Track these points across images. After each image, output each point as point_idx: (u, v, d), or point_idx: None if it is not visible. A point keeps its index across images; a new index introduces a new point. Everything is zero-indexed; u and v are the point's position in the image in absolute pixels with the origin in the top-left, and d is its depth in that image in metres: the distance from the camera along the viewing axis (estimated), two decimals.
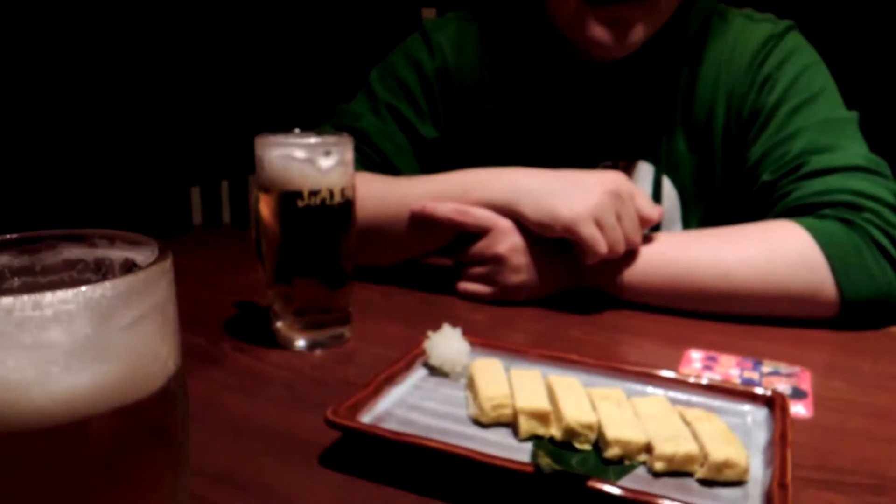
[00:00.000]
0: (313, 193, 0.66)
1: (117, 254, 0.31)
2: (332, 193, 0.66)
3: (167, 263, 0.28)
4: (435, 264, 0.96)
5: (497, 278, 0.81)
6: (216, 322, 0.76)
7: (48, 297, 0.22)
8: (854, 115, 0.88)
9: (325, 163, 0.66)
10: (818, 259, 0.76)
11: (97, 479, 0.25)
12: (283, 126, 0.71)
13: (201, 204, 2.17)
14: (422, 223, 0.83)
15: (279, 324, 0.71)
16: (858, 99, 0.94)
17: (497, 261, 0.80)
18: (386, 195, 0.87)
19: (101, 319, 0.24)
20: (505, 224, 0.80)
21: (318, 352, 0.69)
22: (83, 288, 0.24)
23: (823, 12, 1.95)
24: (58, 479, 0.24)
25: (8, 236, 0.28)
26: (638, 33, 0.86)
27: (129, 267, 0.31)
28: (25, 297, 0.22)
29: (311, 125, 1.03)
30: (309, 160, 0.66)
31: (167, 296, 0.28)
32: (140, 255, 0.30)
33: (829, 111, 0.87)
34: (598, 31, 0.85)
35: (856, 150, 0.84)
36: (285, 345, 0.70)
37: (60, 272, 0.31)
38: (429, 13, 2.31)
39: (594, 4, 0.84)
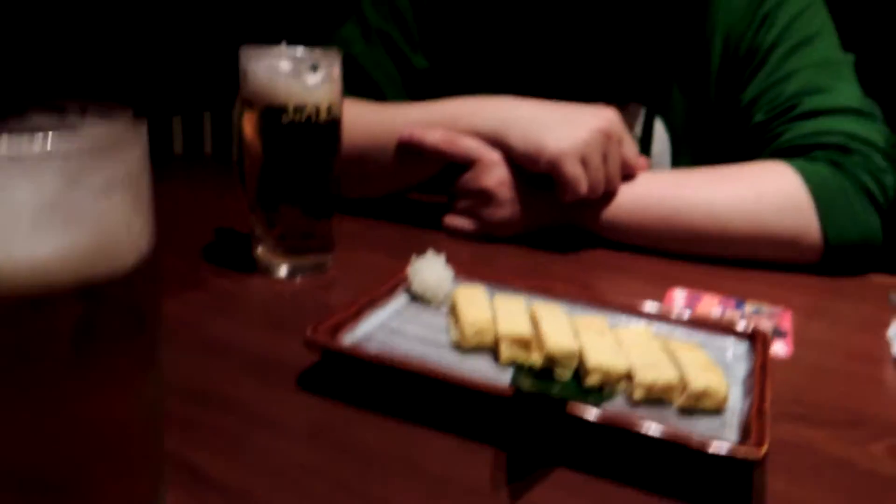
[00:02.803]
0: (298, 109, 0.64)
1: (89, 123, 0.29)
2: (318, 110, 0.64)
3: (142, 131, 0.27)
4: (419, 200, 0.95)
5: (482, 212, 0.80)
6: (195, 247, 0.75)
7: (14, 144, 0.21)
8: (850, 57, 0.87)
9: (312, 78, 0.64)
10: (805, 201, 0.75)
11: (62, 360, 0.23)
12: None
13: (182, 134, 2.13)
14: (409, 151, 0.81)
15: (260, 249, 0.69)
16: (856, 41, 0.93)
17: (483, 194, 0.79)
18: (373, 122, 0.85)
19: (72, 178, 0.23)
20: (492, 156, 0.79)
21: (298, 278, 0.68)
22: (52, 138, 0.22)
23: None
24: (19, 356, 0.22)
25: None
26: None
27: None
28: None
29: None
30: (295, 74, 0.64)
31: (141, 166, 0.27)
32: (113, 126, 0.29)
33: (826, 52, 0.85)
34: None
35: (850, 92, 0.83)
36: (266, 271, 0.69)
37: None
38: None
39: None
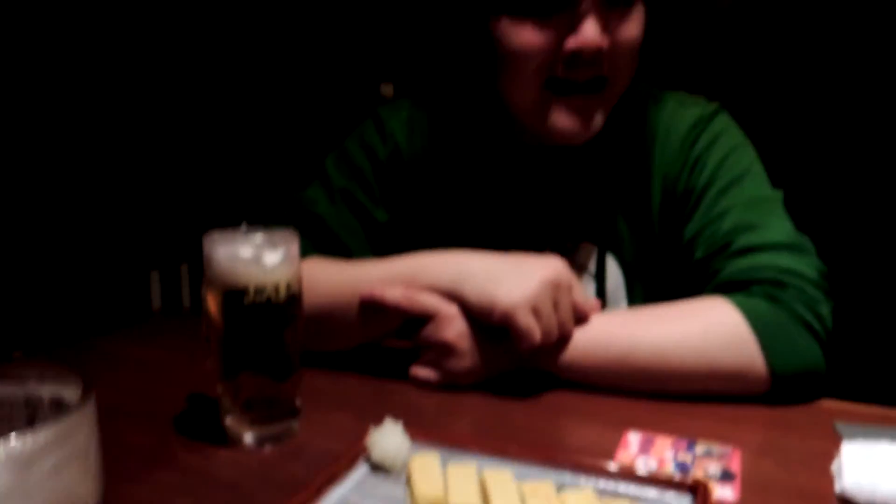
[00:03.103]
0: (259, 291, 0.68)
1: (46, 391, 0.33)
2: (277, 290, 0.69)
3: (90, 406, 0.30)
4: (387, 346, 0.98)
5: (444, 363, 0.83)
6: (167, 418, 0.77)
7: None
8: (779, 193, 0.93)
9: (271, 260, 0.69)
10: (747, 335, 0.79)
11: None
12: (241, 208, 0.74)
13: (160, 288, 2.19)
14: (372, 309, 0.86)
15: (228, 419, 0.72)
16: (784, 175, 1.00)
17: (443, 346, 0.83)
18: (337, 281, 0.89)
19: (24, 468, 0.26)
20: (450, 310, 0.83)
21: (267, 447, 0.70)
22: (11, 439, 0.26)
23: (751, 93, 2.08)
24: None
25: None
26: (599, 118, 0.91)
27: (58, 404, 0.33)
28: None
29: (272, 206, 1.06)
30: (254, 258, 0.68)
31: (89, 439, 0.30)
32: (67, 392, 0.33)
33: (755, 190, 0.92)
34: (563, 120, 0.89)
35: (781, 227, 0.88)
36: (234, 440, 0.71)
37: None
38: (386, 88, 2.39)
39: (560, 94, 0.88)
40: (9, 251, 1.93)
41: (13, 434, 0.25)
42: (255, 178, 2.45)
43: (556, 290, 0.79)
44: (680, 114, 0.99)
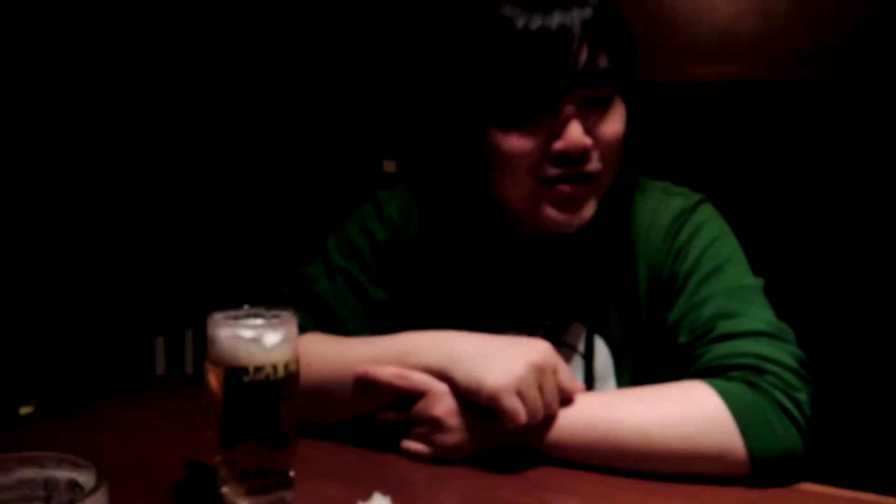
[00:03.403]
0: (258, 369, 0.72)
1: (63, 474, 0.37)
2: (275, 369, 0.73)
3: (103, 492, 0.34)
4: (380, 418, 1.01)
5: (434, 439, 0.87)
6: (165, 486, 0.80)
7: None
8: (760, 281, 0.98)
9: (271, 340, 0.73)
10: (727, 419, 0.82)
11: None
12: (245, 278, 0.78)
13: (165, 354, 2.22)
14: (365, 385, 0.89)
15: (224, 489, 0.75)
16: (765, 264, 1.05)
17: (433, 422, 0.86)
18: (333, 357, 0.93)
19: None
20: (440, 388, 0.86)
21: None
22: None
23: (734, 185, 2.16)
24: None
25: None
26: (590, 206, 0.96)
27: (73, 486, 0.37)
28: None
29: (275, 275, 1.11)
30: (255, 339, 0.73)
31: None
32: (82, 477, 0.36)
33: (736, 279, 0.96)
34: (554, 212, 0.94)
35: (760, 315, 0.92)
36: None
37: (13, 490, 0.36)
38: (389, 165, 2.48)
39: (549, 183, 0.92)
40: (17, 311, 1.97)
41: None
42: (260, 248, 2.51)
43: (541, 373, 0.83)
44: (665, 203, 1.04)
